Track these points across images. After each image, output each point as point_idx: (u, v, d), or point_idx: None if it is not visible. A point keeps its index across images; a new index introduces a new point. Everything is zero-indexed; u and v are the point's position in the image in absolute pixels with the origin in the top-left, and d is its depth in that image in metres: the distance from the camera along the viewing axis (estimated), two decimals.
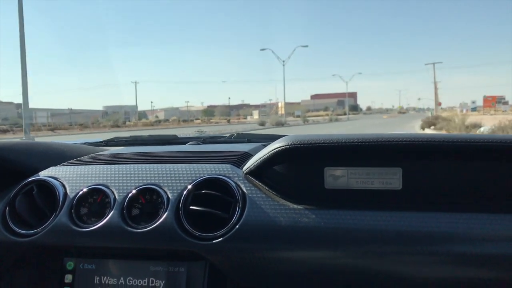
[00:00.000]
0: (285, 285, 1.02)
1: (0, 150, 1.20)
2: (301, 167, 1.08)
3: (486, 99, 48.38)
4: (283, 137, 1.11)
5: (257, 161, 1.10)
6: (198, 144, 1.69)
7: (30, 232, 1.08)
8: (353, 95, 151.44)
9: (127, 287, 1.05)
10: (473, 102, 49.00)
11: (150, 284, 1.05)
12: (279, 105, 53.53)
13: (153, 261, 1.05)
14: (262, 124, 36.85)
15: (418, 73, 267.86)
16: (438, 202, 1.01)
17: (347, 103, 60.77)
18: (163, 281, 1.04)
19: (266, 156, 1.08)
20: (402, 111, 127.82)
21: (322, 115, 79.06)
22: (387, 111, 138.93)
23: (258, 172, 1.10)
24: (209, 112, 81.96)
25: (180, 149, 1.46)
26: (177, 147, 1.59)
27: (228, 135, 1.92)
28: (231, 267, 1.01)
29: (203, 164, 1.16)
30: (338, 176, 1.06)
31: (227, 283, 1.05)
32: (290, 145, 1.04)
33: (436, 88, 49.93)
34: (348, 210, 0.99)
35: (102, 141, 1.89)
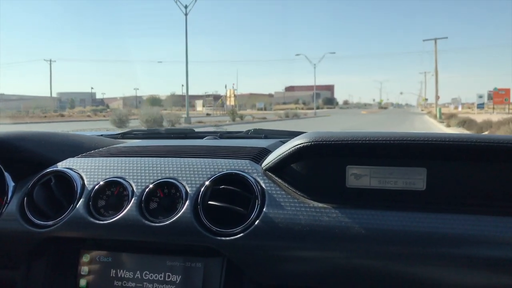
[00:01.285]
0: (303, 283, 1.00)
1: (20, 140, 1.23)
2: (322, 164, 1.07)
3: (497, 92, 35.30)
4: (305, 134, 1.10)
5: (277, 158, 1.09)
6: (215, 138, 1.70)
7: (47, 223, 1.09)
8: (330, 88, 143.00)
9: (143, 281, 1.05)
10: (480, 97, 36.26)
11: (167, 279, 1.04)
12: (228, 94, 39.40)
13: (170, 256, 1.05)
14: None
15: (400, 65, 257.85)
16: (463, 204, 0.99)
17: (314, 96, 47.83)
18: (180, 276, 1.04)
19: (286, 152, 1.06)
20: (384, 106, 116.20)
21: (292, 108, 73.12)
22: (365, 105, 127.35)
23: (277, 169, 1.09)
24: (155, 101, 67.72)
25: (197, 143, 1.47)
26: (194, 141, 1.61)
27: (245, 130, 1.92)
28: (249, 264, 1.00)
29: (221, 159, 1.16)
30: (360, 175, 1.04)
31: (244, 280, 1.03)
32: (312, 142, 1.03)
33: (436, 72, 37.32)
34: (370, 210, 0.98)
35: (119, 134, 1.90)
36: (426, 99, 75.17)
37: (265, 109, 71.48)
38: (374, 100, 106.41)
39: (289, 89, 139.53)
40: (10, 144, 1.21)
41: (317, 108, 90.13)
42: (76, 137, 1.47)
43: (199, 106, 49.28)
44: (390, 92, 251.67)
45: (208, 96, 46.80)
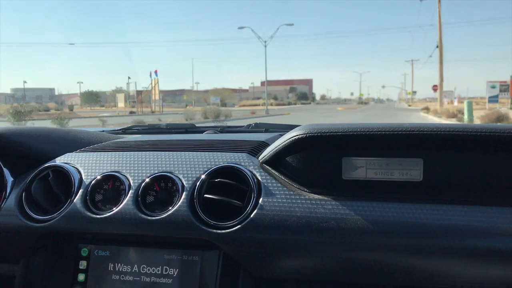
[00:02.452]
0: (299, 275, 1.01)
1: (19, 135, 1.24)
2: (318, 156, 1.07)
3: None
4: (300, 126, 1.10)
5: (273, 150, 1.09)
6: (216, 133, 1.71)
7: (45, 218, 1.10)
8: (308, 82, 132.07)
9: (141, 275, 1.06)
10: (493, 87, 23.73)
11: (164, 272, 1.05)
12: (153, 85, 26.94)
13: (167, 249, 1.06)
14: None
15: (383, 56, 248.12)
16: (460, 194, 0.99)
17: (266, 89, 35.59)
18: (177, 270, 1.05)
19: (282, 145, 1.07)
20: (364, 101, 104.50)
21: (257, 105, 64.48)
22: (345, 101, 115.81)
23: (274, 161, 1.10)
24: (90, 97, 55.33)
25: (196, 137, 1.47)
26: (194, 135, 1.60)
27: (245, 125, 1.92)
28: (245, 256, 1.00)
29: (218, 153, 1.17)
30: (356, 166, 1.04)
31: (240, 272, 1.04)
32: (307, 133, 1.03)
33: (441, 53, 24.65)
34: (366, 201, 0.98)
35: (120, 129, 1.91)
36: (415, 92, 63.68)
37: (225, 105, 60.07)
38: (352, 94, 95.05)
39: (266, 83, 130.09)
40: (9, 139, 1.21)
41: (289, 104, 79.12)
42: (75, 132, 1.46)
43: (121, 101, 36.60)
44: (371, 86, 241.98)
45: (141, 91, 34.05)
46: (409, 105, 59.66)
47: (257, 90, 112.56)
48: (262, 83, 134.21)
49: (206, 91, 77.04)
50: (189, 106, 60.45)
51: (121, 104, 38.07)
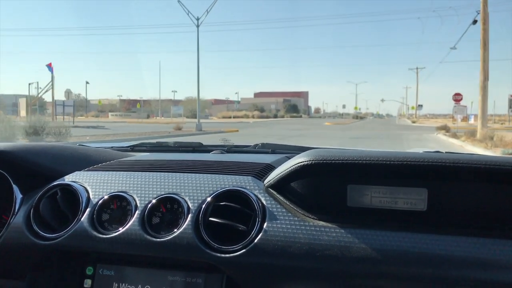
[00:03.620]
0: None
1: (29, 153, 1.26)
2: (323, 183, 1.08)
3: None
4: (306, 152, 1.11)
5: (279, 175, 1.10)
6: (222, 153, 1.70)
7: (52, 236, 1.11)
8: (303, 95, 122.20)
9: None
10: None
11: None
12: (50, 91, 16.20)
13: (171, 271, 1.06)
14: None
15: (383, 67, 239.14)
16: (465, 226, 0.98)
17: (197, 96, 24.35)
18: None
19: (287, 170, 1.07)
20: (361, 116, 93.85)
21: (240, 116, 59.56)
22: (342, 115, 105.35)
23: (279, 186, 1.10)
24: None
25: (203, 157, 1.48)
26: (200, 155, 1.61)
27: (252, 145, 1.91)
28: (248, 281, 1.00)
29: (224, 175, 1.17)
30: (361, 194, 1.04)
31: None
32: (313, 160, 1.04)
33: (485, 31, 13.12)
34: (371, 230, 0.97)
35: (128, 146, 1.91)
36: (420, 106, 52.91)
37: (195, 117, 49.87)
38: (344, 106, 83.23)
39: (259, 95, 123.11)
40: (19, 157, 1.24)
41: (275, 116, 69.06)
42: (84, 150, 1.48)
43: (23, 109, 27.07)
44: (370, 99, 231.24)
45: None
46: (413, 122, 49.36)
47: (250, 102, 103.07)
48: (256, 95, 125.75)
49: (179, 101, 66.85)
50: (152, 116, 50.91)
51: (23, 112, 27.97)
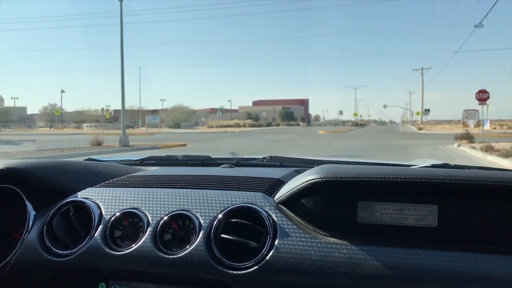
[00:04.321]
0: None
1: (42, 170, 1.27)
2: (334, 199, 1.08)
3: None
4: (317, 168, 1.11)
5: (289, 192, 1.10)
6: (231, 167, 1.70)
7: (65, 252, 1.11)
8: (303, 102, 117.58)
9: None
10: None
11: None
12: None
13: (183, 287, 1.06)
14: None
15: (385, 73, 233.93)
16: (476, 242, 0.98)
17: (123, 96, 18.07)
18: None
19: (299, 187, 1.07)
20: (361, 122, 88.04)
21: (231, 126, 57.38)
22: (343, 123, 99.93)
23: (289, 202, 1.10)
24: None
25: (213, 172, 1.49)
26: (210, 169, 1.62)
27: (260, 157, 1.90)
28: None
29: (235, 191, 1.18)
30: (371, 211, 1.05)
31: None
32: (324, 178, 1.04)
33: None
34: (381, 247, 0.97)
35: (138, 160, 1.91)
36: (427, 111, 46.99)
37: (178, 126, 45.35)
38: (341, 112, 75.35)
39: (258, 103, 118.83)
40: (32, 173, 1.24)
41: (268, 125, 63.82)
42: (95, 165, 1.49)
43: None
44: (372, 105, 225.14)
45: None
46: (419, 128, 43.82)
47: (249, 110, 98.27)
48: (254, 103, 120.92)
49: (164, 110, 61.84)
50: (136, 126, 46.21)
51: None
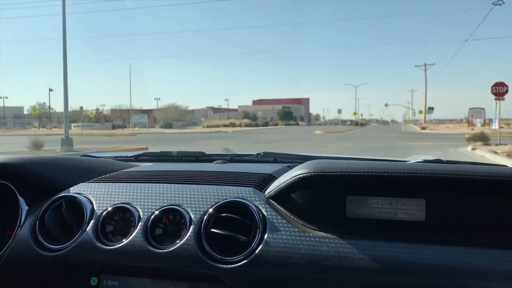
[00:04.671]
0: None
1: (34, 165, 1.28)
2: (323, 194, 1.09)
3: None
4: (307, 163, 1.13)
5: (279, 186, 1.11)
6: (225, 162, 1.69)
7: (57, 247, 1.12)
8: (303, 102, 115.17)
9: None
10: None
11: None
12: None
13: (174, 281, 1.06)
14: None
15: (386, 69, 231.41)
16: (463, 236, 0.98)
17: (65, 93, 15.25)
18: None
19: (287, 182, 1.09)
20: (361, 122, 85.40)
21: (226, 125, 55.67)
22: (344, 122, 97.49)
23: (279, 197, 1.11)
24: None
25: (206, 168, 1.48)
26: (203, 165, 1.61)
27: (254, 153, 1.88)
28: None
29: (226, 186, 1.18)
30: (360, 205, 1.05)
31: None
32: (312, 172, 1.05)
33: None
34: (370, 240, 0.98)
35: (132, 156, 1.92)
36: (431, 109, 44.43)
37: (170, 126, 43.34)
38: (339, 111, 71.17)
39: (258, 102, 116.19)
40: (25, 169, 1.25)
41: (265, 124, 61.56)
42: (88, 161, 1.50)
43: None
44: (373, 104, 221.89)
45: None
46: (423, 128, 41.39)
47: (246, 110, 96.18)
48: (254, 102, 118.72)
49: (158, 109, 59.59)
50: (128, 126, 44.67)
51: None
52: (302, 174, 1.05)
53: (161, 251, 1.05)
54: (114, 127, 43.30)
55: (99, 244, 1.09)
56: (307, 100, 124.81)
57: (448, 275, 0.90)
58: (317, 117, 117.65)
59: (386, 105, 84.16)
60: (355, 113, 64.46)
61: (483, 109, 40.86)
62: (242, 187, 1.16)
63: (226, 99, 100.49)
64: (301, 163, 1.19)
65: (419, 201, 1.02)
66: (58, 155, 1.49)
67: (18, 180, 1.24)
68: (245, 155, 1.89)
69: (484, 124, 36.84)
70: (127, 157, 1.91)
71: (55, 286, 1.13)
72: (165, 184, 1.22)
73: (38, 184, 1.25)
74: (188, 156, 1.88)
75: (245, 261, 0.99)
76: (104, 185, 1.25)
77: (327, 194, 1.07)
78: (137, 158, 1.89)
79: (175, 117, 55.43)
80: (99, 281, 1.09)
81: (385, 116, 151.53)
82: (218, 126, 51.75)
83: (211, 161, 1.72)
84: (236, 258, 1.00)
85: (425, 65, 48.00)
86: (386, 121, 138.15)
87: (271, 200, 1.11)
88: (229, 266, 1.00)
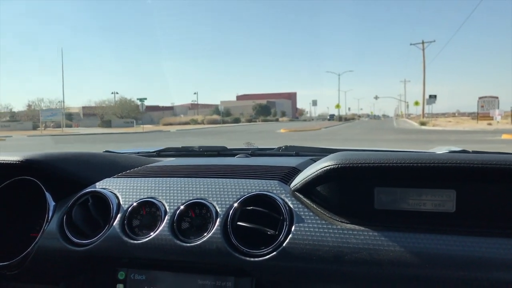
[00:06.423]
0: None
1: (61, 161, 1.30)
2: (350, 186, 1.08)
3: None
4: (333, 155, 1.10)
5: (305, 179, 1.09)
6: (247, 156, 1.69)
7: (85, 242, 1.13)
8: (290, 96, 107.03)
9: None
10: None
11: None
12: None
13: (201, 275, 1.07)
14: None
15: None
16: (495, 226, 0.97)
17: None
18: None
19: (314, 174, 1.07)
20: (346, 117, 76.56)
21: (188, 123, 48.94)
22: (329, 117, 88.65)
23: (305, 190, 1.10)
24: None
25: (229, 162, 1.49)
26: (226, 159, 1.64)
27: (276, 147, 1.88)
28: (277, 284, 1.02)
29: (251, 180, 1.18)
30: (388, 196, 1.04)
31: None
32: (339, 164, 1.03)
33: None
34: (399, 232, 0.96)
35: (155, 151, 1.93)
36: (433, 97, 35.31)
37: (107, 126, 34.87)
38: (313, 104, 60.86)
39: (242, 97, 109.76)
40: (52, 165, 1.26)
41: (236, 121, 52.75)
42: (113, 157, 1.51)
43: None
44: (362, 98, 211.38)
45: None
46: (422, 123, 32.51)
47: (230, 105, 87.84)
48: (238, 97, 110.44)
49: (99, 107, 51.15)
50: (76, 125, 45.05)
51: None
52: (330, 166, 1.02)
53: (188, 245, 1.04)
54: (35, 127, 34.93)
55: (126, 239, 1.09)
56: (294, 94, 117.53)
57: (481, 267, 0.88)
58: (301, 112, 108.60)
59: (376, 97, 75.09)
60: (337, 106, 54.92)
61: (497, 98, 32.12)
62: (267, 180, 1.15)
63: (195, 93, 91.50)
64: (324, 156, 1.15)
65: (449, 192, 0.99)
66: (82, 151, 1.49)
67: (44, 176, 1.24)
68: (267, 149, 1.87)
69: (505, 117, 28.18)
70: (149, 152, 1.90)
71: (83, 280, 1.14)
72: (190, 178, 1.21)
73: (64, 180, 1.25)
74: (210, 150, 1.85)
75: (273, 254, 0.98)
76: (129, 180, 1.25)
77: (355, 186, 1.05)
78: (160, 154, 1.88)
79: (125, 114, 47.79)
80: (126, 275, 1.10)
81: (375, 111, 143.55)
82: (171, 124, 46.09)
83: (233, 155, 1.72)
84: (264, 251, 0.99)
85: (422, 42, 38.87)
86: (377, 115, 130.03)
87: (297, 193, 1.09)
88: (256, 259, 0.99)
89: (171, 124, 46.52)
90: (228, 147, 1.90)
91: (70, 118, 50.76)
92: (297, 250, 0.97)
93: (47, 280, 1.16)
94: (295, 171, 1.26)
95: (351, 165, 1.01)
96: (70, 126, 41.89)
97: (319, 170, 1.04)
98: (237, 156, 1.70)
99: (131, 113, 46.60)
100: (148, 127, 38.33)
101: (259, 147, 1.96)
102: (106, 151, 1.86)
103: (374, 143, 13.95)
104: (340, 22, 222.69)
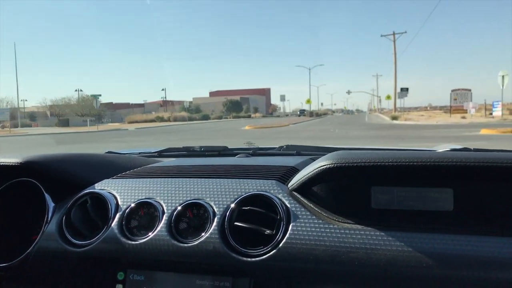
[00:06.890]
0: None
1: (60, 162, 1.30)
2: (347, 185, 1.08)
3: None
4: (329, 154, 1.10)
5: (302, 178, 1.10)
6: (247, 156, 1.70)
7: (84, 243, 1.13)
8: (263, 92, 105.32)
9: None
10: None
11: None
12: None
13: (199, 275, 1.08)
14: None
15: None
16: (494, 225, 0.96)
17: None
18: None
19: (311, 173, 1.07)
20: (317, 112, 75.38)
21: (153, 120, 47.66)
22: (303, 112, 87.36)
23: (302, 189, 1.11)
24: None
25: (228, 162, 1.49)
26: (226, 159, 1.65)
27: (277, 147, 1.90)
28: (274, 284, 1.01)
29: (249, 180, 1.18)
30: (385, 196, 1.03)
31: None
32: (335, 164, 1.03)
33: None
34: (396, 231, 0.96)
35: (156, 152, 1.94)
36: (405, 90, 33.88)
37: (64, 125, 32.50)
38: (282, 99, 59.01)
39: (215, 94, 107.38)
40: (51, 166, 1.27)
41: (204, 118, 50.76)
42: (112, 158, 1.52)
43: None
44: (335, 93, 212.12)
45: None
46: (394, 118, 31.36)
47: (202, 102, 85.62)
48: (211, 94, 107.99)
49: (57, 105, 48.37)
50: (35, 124, 42.96)
51: None
52: (325, 165, 1.03)
53: (185, 245, 1.05)
54: None
55: (124, 239, 1.09)
56: (268, 90, 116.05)
57: (479, 266, 0.87)
58: (274, 107, 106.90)
59: (349, 92, 73.79)
60: (308, 101, 53.39)
61: (470, 90, 31.16)
62: (265, 180, 1.15)
63: (163, 89, 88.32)
64: (324, 155, 1.14)
65: (446, 191, 0.99)
66: (82, 152, 1.49)
67: (44, 177, 1.24)
68: (268, 149, 1.88)
69: (479, 109, 27.19)
70: (150, 153, 1.91)
71: (83, 281, 1.14)
72: (188, 179, 1.21)
73: (64, 181, 1.25)
74: (211, 150, 1.86)
75: (270, 254, 0.98)
76: (128, 181, 1.25)
77: (351, 185, 1.05)
78: (161, 154, 1.89)
79: (85, 112, 45.31)
80: (125, 276, 1.10)
81: (349, 106, 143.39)
82: (136, 122, 44.06)
83: (234, 155, 1.73)
84: (261, 251, 0.99)
85: (393, 34, 37.72)
86: (350, 110, 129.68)
87: (294, 193, 1.09)
88: (254, 259, 0.99)
89: (136, 121, 44.35)
90: (229, 147, 1.88)
91: (33, 117, 48.43)
92: (294, 250, 0.97)
93: (47, 281, 1.15)
94: (294, 171, 1.25)
95: (347, 164, 1.00)
96: (30, 126, 39.60)
97: (315, 170, 1.04)
98: (237, 156, 1.70)
99: (92, 111, 44.06)
100: (108, 126, 36.28)
101: (259, 146, 1.95)
102: (108, 152, 1.85)
103: (346, 139, 12.40)
104: (316, 18, 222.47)
